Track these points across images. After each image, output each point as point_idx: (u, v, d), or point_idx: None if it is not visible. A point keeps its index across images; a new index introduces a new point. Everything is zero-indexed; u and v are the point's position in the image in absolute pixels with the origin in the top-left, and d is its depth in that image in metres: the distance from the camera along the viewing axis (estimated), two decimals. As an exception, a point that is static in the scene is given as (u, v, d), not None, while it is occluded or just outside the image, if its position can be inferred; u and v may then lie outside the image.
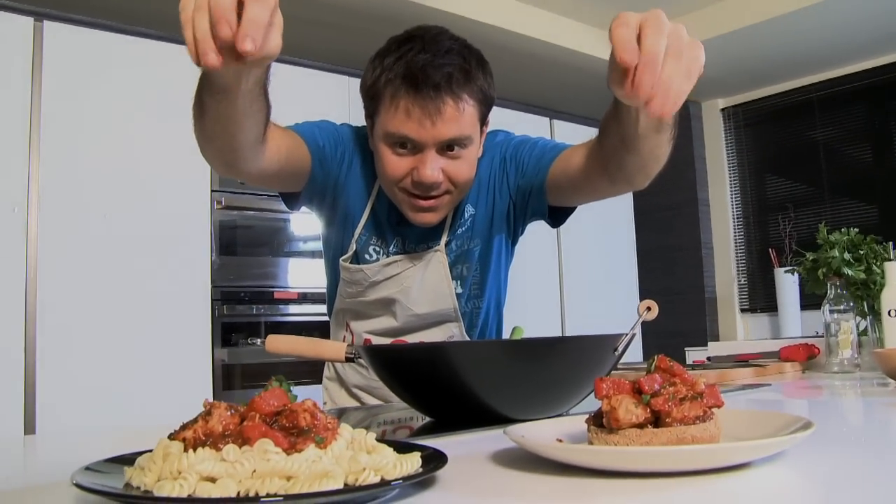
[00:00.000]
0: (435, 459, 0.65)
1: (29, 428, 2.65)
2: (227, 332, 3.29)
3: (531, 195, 1.42)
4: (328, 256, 1.54)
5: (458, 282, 1.47)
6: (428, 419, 1.11)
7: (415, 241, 1.43)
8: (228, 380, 3.25)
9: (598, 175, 1.27)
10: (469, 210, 1.44)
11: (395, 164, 1.28)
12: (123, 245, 2.93)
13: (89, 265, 2.86)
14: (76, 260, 2.84)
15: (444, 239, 1.42)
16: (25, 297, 2.72)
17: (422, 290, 1.43)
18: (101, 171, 2.95)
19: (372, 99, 1.29)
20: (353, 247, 1.43)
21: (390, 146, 1.27)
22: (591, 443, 0.71)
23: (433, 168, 1.25)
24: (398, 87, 1.22)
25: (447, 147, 1.26)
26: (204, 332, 3.15)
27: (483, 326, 1.55)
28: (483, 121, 1.34)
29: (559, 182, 1.37)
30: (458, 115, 1.24)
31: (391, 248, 1.43)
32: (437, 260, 1.43)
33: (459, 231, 1.44)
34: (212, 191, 3.19)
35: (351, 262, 1.44)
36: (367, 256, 1.43)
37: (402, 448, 0.67)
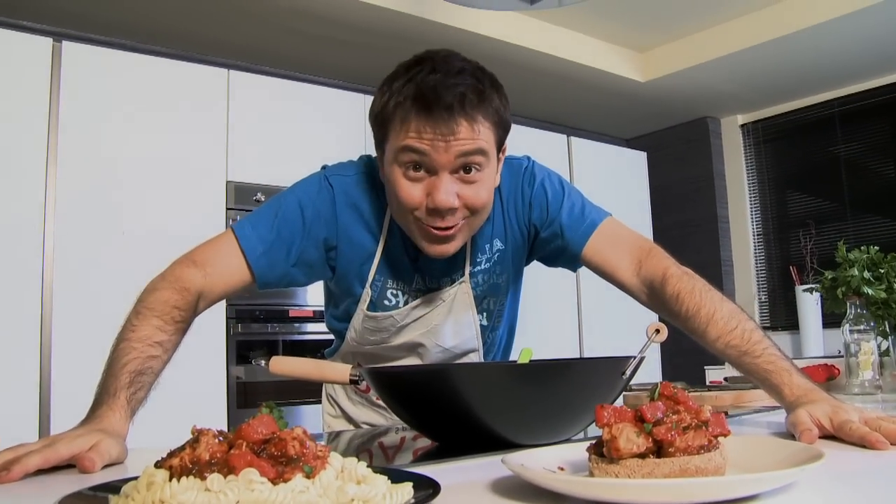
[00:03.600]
0: (428, 489, 0.63)
1: (43, 446, 2.65)
2: (244, 349, 3.29)
3: (560, 254, 1.40)
4: (336, 309, 1.46)
5: (484, 315, 1.43)
6: (422, 440, 1.09)
7: (437, 276, 1.37)
8: (244, 397, 3.25)
9: (640, 300, 1.34)
10: (497, 244, 1.39)
11: (408, 190, 1.19)
12: (139, 261, 2.92)
13: (105, 281, 2.86)
14: (92, 276, 2.85)
15: (467, 270, 1.37)
16: (41, 312, 2.73)
17: (447, 324, 1.39)
18: (118, 189, 2.97)
19: (382, 125, 1.22)
20: (369, 293, 1.35)
21: (402, 168, 1.20)
22: (591, 472, 0.68)
23: (447, 192, 1.17)
24: (408, 111, 1.16)
25: (462, 170, 1.19)
26: (219, 350, 3.15)
27: (497, 352, 1.53)
28: (500, 146, 1.27)
29: (591, 266, 1.38)
30: (473, 136, 1.17)
31: (414, 287, 1.37)
32: (463, 291, 1.38)
33: (487, 266, 1.39)
34: (227, 208, 3.19)
35: (370, 310, 1.37)
36: (385, 303, 1.36)
37: (396, 477, 0.65)
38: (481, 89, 1.18)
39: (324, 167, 1.38)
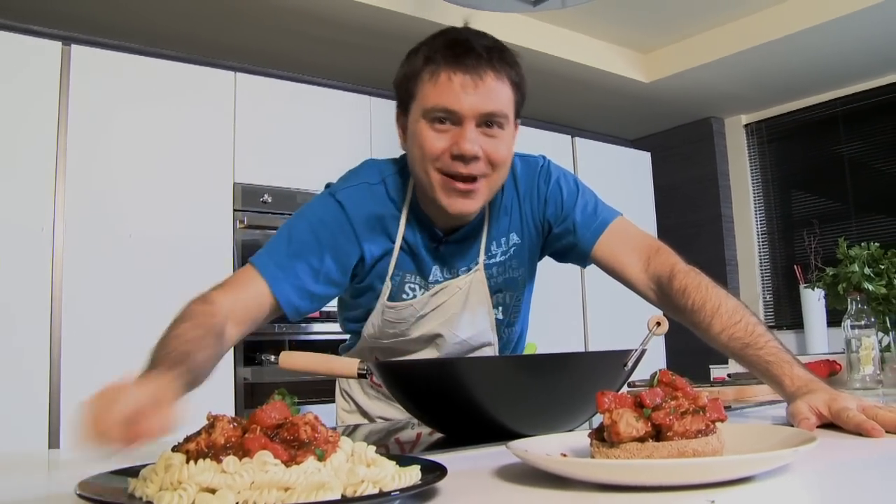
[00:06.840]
0: (434, 472, 0.66)
1: (53, 443, 2.68)
2: (251, 350, 3.31)
3: (571, 250, 1.44)
4: (353, 311, 1.48)
5: (500, 308, 1.46)
6: (438, 435, 1.12)
7: (455, 264, 1.40)
8: (252, 398, 3.27)
9: (647, 297, 1.36)
10: (514, 238, 1.43)
11: (433, 139, 1.24)
12: (147, 264, 2.96)
13: (113, 283, 2.89)
14: (101, 278, 2.88)
15: (481, 258, 1.41)
16: (51, 314, 2.76)
17: (463, 314, 1.42)
18: (126, 191, 2.99)
19: (409, 82, 1.28)
20: (389, 285, 1.37)
21: (429, 122, 1.25)
22: (593, 456, 0.71)
23: (472, 140, 1.23)
24: (439, 61, 1.23)
25: (486, 124, 1.25)
26: (226, 351, 3.17)
27: (514, 349, 1.56)
28: (517, 112, 1.33)
29: (601, 263, 1.41)
30: (499, 89, 1.24)
31: (431, 278, 1.39)
32: (478, 280, 1.41)
33: (503, 258, 1.43)
34: (234, 210, 3.22)
35: (391, 301, 1.39)
36: (404, 296, 1.39)
37: (403, 462, 0.67)
38: (505, 50, 1.28)
39: (328, 185, 1.40)
